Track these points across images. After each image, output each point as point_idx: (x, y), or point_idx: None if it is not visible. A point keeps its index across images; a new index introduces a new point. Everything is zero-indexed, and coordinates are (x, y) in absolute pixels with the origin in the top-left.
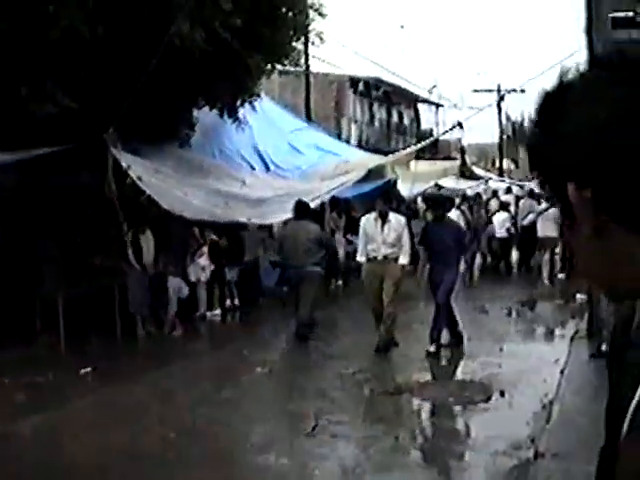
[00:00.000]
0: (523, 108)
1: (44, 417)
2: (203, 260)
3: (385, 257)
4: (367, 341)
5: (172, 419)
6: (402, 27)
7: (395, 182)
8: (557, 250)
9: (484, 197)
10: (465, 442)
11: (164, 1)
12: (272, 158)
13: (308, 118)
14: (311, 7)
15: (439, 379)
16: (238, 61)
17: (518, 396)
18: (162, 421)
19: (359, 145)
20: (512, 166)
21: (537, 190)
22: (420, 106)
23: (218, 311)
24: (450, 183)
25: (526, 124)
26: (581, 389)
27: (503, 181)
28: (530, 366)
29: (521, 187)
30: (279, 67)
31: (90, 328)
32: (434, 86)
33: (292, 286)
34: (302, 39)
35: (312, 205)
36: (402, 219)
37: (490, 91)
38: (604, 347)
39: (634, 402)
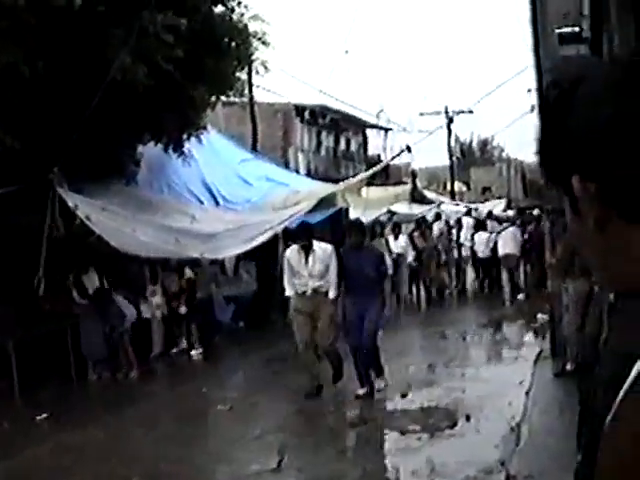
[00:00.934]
0: (472, 129)
1: (1, 466)
2: (157, 298)
3: (315, 290)
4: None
5: (135, 461)
6: (346, 52)
7: (347, 210)
8: (519, 269)
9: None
10: (435, 470)
11: (105, 36)
12: (221, 191)
13: (255, 149)
14: (254, 36)
15: (402, 408)
16: (182, 94)
17: (484, 420)
18: (125, 464)
19: (308, 174)
20: (464, 188)
21: (495, 212)
22: (369, 131)
23: (175, 349)
24: (402, 208)
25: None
26: (548, 409)
27: (457, 204)
28: (495, 389)
29: (474, 210)
30: (224, 98)
31: (44, 372)
32: (381, 110)
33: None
34: (246, 69)
35: (263, 238)
36: (328, 248)
37: (438, 113)
38: (568, 366)
39: (609, 416)
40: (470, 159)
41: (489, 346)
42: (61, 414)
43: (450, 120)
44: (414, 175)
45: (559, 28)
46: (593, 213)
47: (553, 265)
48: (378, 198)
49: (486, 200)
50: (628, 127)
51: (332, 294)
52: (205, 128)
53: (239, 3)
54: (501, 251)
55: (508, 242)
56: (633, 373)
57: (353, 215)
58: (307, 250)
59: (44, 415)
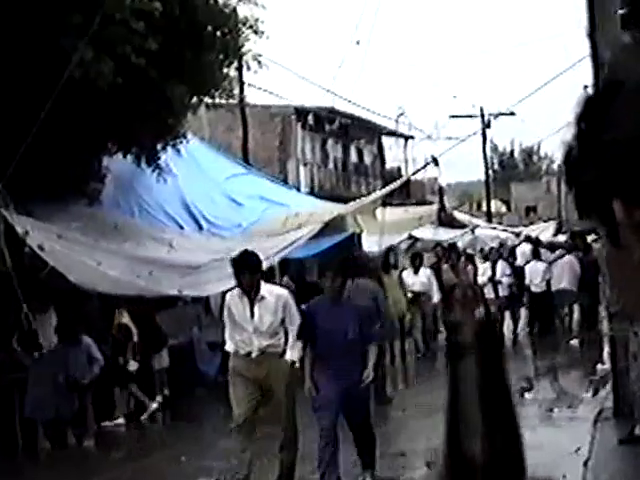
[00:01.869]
0: (513, 136)
1: None
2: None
3: (263, 352)
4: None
5: None
6: (358, 43)
7: (359, 236)
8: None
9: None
10: None
11: (60, 24)
12: (204, 214)
13: (246, 161)
14: (244, 24)
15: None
16: (156, 94)
17: None
18: None
19: (311, 192)
20: (503, 208)
21: (542, 237)
22: (385, 140)
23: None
24: (427, 234)
25: (517, 155)
26: None
27: (494, 228)
28: (546, 458)
29: (516, 235)
30: (208, 100)
31: None
32: (401, 114)
33: None
34: (235, 64)
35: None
36: (283, 293)
37: (471, 117)
38: (637, 430)
39: None
40: (511, 172)
41: (538, 404)
42: None
43: (486, 124)
44: (442, 193)
45: (622, 9)
46: (639, 243)
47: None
48: (398, 221)
49: (531, 223)
50: None
51: (292, 356)
52: (185, 136)
53: None
54: (555, 285)
55: (564, 274)
56: None
57: (367, 243)
58: (251, 296)
59: None
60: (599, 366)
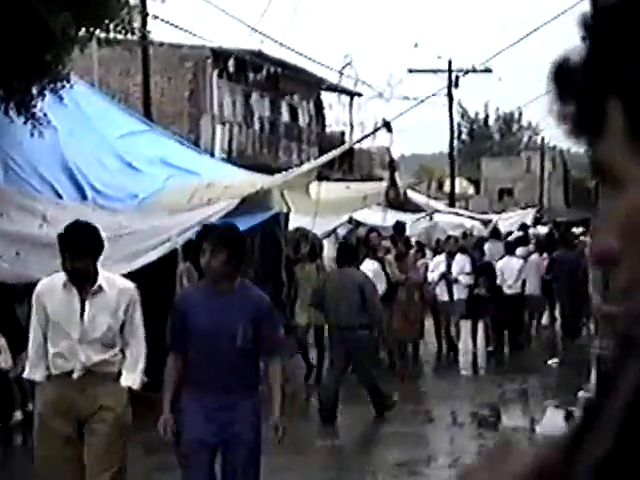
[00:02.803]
0: (487, 99)
1: None
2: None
3: (91, 371)
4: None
5: None
6: None
7: (287, 216)
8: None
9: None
10: None
11: None
12: (90, 179)
13: (147, 115)
14: None
15: None
16: (32, 24)
17: None
18: None
19: (228, 158)
20: (470, 189)
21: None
22: (325, 96)
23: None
24: (373, 217)
25: (492, 123)
26: None
27: (457, 214)
28: None
29: (485, 224)
30: (100, 33)
31: None
32: (348, 64)
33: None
34: None
35: (155, 254)
36: (130, 287)
37: (435, 72)
38: None
39: None
40: (483, 145)
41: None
42: None
43: (454, 82)
44: (393, 166)
45: None
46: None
47: (607, 314)
48: (337, 200)
49: (502, 211)
50: None
51: (131, 381)
52: (69, 79)
53: None
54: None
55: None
56: None
57: (296, 224)
58: (84, 288)
59: None
60: (581, 393)
